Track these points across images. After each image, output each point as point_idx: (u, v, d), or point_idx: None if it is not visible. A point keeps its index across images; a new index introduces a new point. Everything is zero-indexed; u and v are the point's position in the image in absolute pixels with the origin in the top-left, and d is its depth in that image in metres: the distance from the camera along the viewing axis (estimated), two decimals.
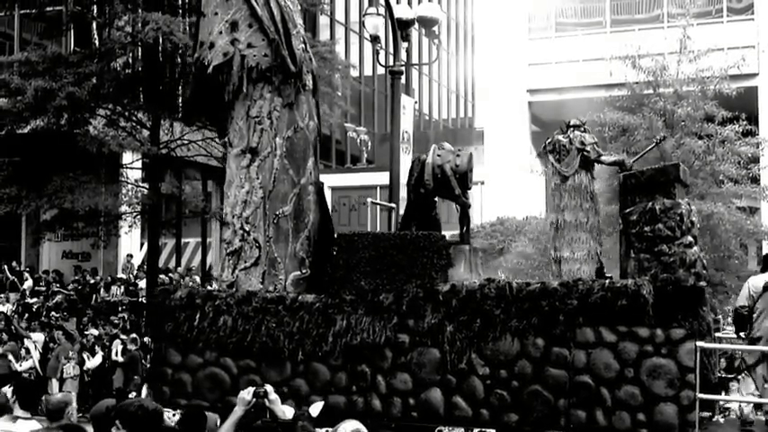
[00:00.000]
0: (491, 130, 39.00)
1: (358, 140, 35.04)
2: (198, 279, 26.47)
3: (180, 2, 21.97)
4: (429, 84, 51.24)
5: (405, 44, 18.59)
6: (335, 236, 10.72)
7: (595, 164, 12.03)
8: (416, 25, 19.20)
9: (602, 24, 37.50)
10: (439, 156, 11.18)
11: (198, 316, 10.17)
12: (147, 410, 5.53)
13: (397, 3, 36.75)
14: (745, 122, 23.93)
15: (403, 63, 18.20)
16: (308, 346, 9.76)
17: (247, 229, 10.54)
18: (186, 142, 21.44)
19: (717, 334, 11.57)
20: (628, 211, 9.94)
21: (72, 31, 23.93)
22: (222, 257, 11.04)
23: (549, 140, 12.18)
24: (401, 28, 18.05)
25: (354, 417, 6.84)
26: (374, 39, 18.53)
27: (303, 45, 11.01)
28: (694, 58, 23.92)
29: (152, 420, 5.54)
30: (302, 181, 10.76)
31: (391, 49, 21.21)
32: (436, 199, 11.49)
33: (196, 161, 22.49)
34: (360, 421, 5.86)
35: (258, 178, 10.57)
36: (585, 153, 11.91)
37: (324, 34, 34.29)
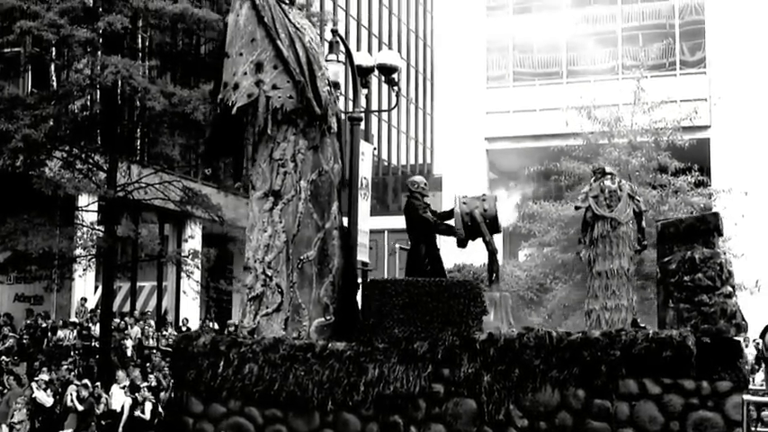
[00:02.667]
0: (449, 177, 39.23)
1: None
2: (153, 323, 26.12)
3: (140, 46, 21.95)
4: (388, 130, 51.53)
5: (364, 91, 18.69)
6: (368, 281, 10.49)
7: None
8: (376, 72, 19.33)
9: (558, 75, 38.10)
10: (465, 204, 11.14)
11: (222, 363, 9.92)
12: None
13: (358, 50, 37.05)
14: (697, 173, 24.38)
15: (362, 109, 18.28)
16: (339, 396, 9.54)
17: (270, 274, 10.36)
18: (144, 185, 21.29)
19: None
20: (666, 260, 9.78)
21: (30, 73, 23.76)
22: (243, 303, 10.75)
23: (594, 185, 12.07)
24: (361, 75, 18.15)
25: None
26: (334, 85, 18.61)
27: (328, 87, 10.89)
28: (648, 110, 24.40)
29: None
30: (327, 225, 10.64)
31: (351, 96, 21.35)
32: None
33: (153, 204, 22.29)
34: None
35: (281, 222, 10.43)
36: (637, 202, 11.92)
37: None
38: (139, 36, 21.99)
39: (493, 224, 11.13)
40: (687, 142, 25.02)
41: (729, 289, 9.31)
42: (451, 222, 11.22)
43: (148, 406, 18.00)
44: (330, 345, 9.78)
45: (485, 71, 39.04)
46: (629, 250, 12.16)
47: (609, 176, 12.41)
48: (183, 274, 22.60)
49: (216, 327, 28.20)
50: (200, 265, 21.97)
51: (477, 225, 11.03)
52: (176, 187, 21.27)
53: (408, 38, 54.51)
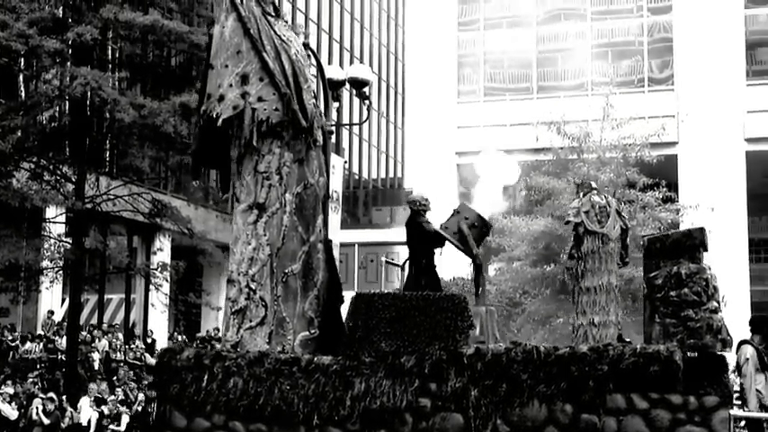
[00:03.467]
0: (419, 191, 39.31)
1: None
2: (121, 336, 25.91)
3: (110, 57, 21.85)
4: (359, 143, 51.59)
5: (336, 104, 18.75)
6: (355, 295, 10.29)
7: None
8: (347, 86, 19.39)
9: (529, 90, 38.37)
10: (446, 228, 11.16)
11: (206, 377, 9.79)
12: None
13: (329, 63, 37.08)
14: (665, 189, 24.62)
15: (333, 123, 18.34)
16: (325, 410, 9.45)
17: (253, 287, 10.26)
18: (112, 197, 21.15)
19: None
20: (652, 275, 9.76)
21: None
22: (227, 316, 10.60)
23: (582, 200, 12.08)
24: (332, 88, 18.21)
25: None
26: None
27: (314, 100, 10.85)
28: (617, 126, 24.63)
29: None
30: (311, 239, 10.58)
31: (322, 109, 21.36)
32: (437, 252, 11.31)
33: (122, 216, 22.14)
34: None
35: (266, 235, 10.33)
36: (623, 218, 11.96)
37: None
38: (109, 47, 21.88)
39: (484, 225, 11.16)
40: (655, 158, 25.28)
41: (715, 304, 9.34)
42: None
43: (125, 419, 17.87)
44: (316, 359, 9.71)
45: (456, 86, 39.24)
46: (617, 267, 12.24)
47: (595, 191, 12.48)
48: (151, 287, 22.45)
49: (185, 340, 28.02)
50: (168, 278, 21.84)
51: (464, 237, 11.01)
52: (145, 199, 21.15)
53: (380, 52, 54.66)
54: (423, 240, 11.20)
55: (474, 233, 11.18)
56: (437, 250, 11.35)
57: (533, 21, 38.47)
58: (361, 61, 48.00)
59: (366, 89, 20.41)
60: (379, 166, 55.88)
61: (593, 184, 12.59)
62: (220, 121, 10.49)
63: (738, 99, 33.80)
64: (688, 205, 25.98)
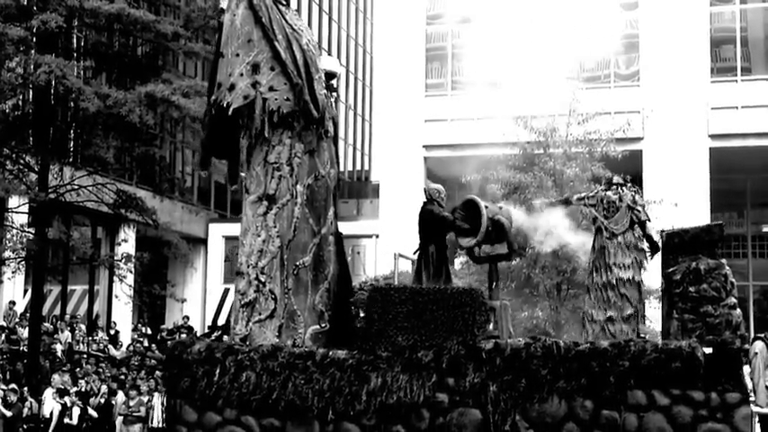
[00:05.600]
0: (387, 184, 39.29)
1: None
2: (83, 328, 25.69)
3: (75, 45, 21.63)
4: None
5: (334, 94, 18.66)
6: (371, 288, 10.23)
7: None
8: None
9: (496, 85, 38.46)
10: (487, 207, 10.97)
11: (218, 371, 9.66)
12: None
13: None
14: (629, 184, 24.75)
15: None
16: (340, 405, 9.34)
17: (263, 279, 10.14)
18: (76, 187, 20.95)
19: None
20: (671, 270, 9.77)
21: None
22: (236, 309, 10.48)
23: (593, 194, 12.08)
24: None
25: None
26: None
27: (325, 91, 10.70)
28: (583, 121, 24.74)
29: None
30: (323, 231, 10.46)
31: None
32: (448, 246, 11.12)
33: (86, 207, 21.94)
34: None
35: (276, 226, 10.21)
36: (636, 212, 11.94)
37: None
38: (74, 35, 21.69)
39: (494, 227, 11.04)
40: (620, 153, 25.42)
41: (733, 300, 9.42)
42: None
43: (76, 411, 17.72)
44: (331, 353, 9.59)
45: (423, 79, 39.23)
46: (630, 260, 12.22)
47: (614, 187, 12.51)
48: (115, 278, 22.29)
49: (149, 332, 27.84)
50: (133, 270, 21.70)
51: (501, 230, 10.80)
52: (110, 190, 20.99)
53: (348, 44, 54.57)
54: (431, 226, 11.01)
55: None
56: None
57: (502, 15, 38.56)
58: (330, 53, 47.91)
59: (334, 81, 20.33)
60: (346, 158, 55.83)
61: (616, 180, 12.52)
62: (231, 110, 10.31)
63: (703, 96, 34.11)
64: (652, 200, 26.19)
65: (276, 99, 10.32)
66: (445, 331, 9.32)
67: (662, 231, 11.56)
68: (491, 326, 10.22)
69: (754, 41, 35.85)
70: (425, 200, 11.29)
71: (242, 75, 10.42)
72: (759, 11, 35.84)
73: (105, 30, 20.94)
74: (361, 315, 10.63)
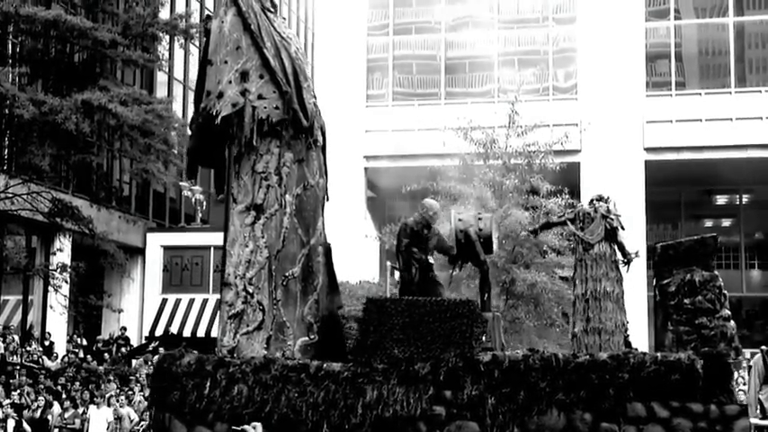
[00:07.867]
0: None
1: (193, 200, 34.54)
2: (17, 338, 25.15)
3: (10, 51, 21.27)
4: None
5: None
6: (367, 299, 10.03)
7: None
8: None
9: (437, 96, 38.71)
10: (461, 221, 10.95)
11: (208, 384, 9.47)
12: None
13: None
14: (567, 196, 25.10)
15: None
16: (335, 419, 9.21)
17: (251, 290, 9.99)
18: (10, 195, 20.57)
19: None
20: (665, 282, 9.82)
21: None
22: (223, 320, 10.27)
23: (571, 210, 12.21)
24: None
25: None
26: None
27: (314, 100, 10.57)
28: (522, 133, 25.02)
29: None
30: (312, 241, 10.33)
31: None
32: (432, 261, 11.02)
33: (20, 215, 21.54)
34: None
35: (264, 237, 10.06)
36: (609, 221, 12.03)
37: (161, 91, 33.84)
38: (9, 41, 21.31)
39: (487, 244, 11.01)
40: (558, 165, 25.76)
41: (728, 312, 9.46)
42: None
43: (11, 423, 17.35)
44: (326, 365, 9.47)
45: (364, 90, 39.34)
46: (613, 272, 12.33)
47: (596, 203, 12.66)
48: (50, 288, 21.91)
49: (84, 343, 27.39)
50: (68, 279, 21.35)
51: (471, 244, 10.86)
52: (45, 198, 20.65)
53: None
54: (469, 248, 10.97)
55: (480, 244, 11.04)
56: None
57: (442, 27, 38.87)
58: None
59: None
60: None
61: (602, 195, 12.68)
62: (219, 118, 10.18)
63: (638, 109, 34.77)
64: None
65: (265, 107, 10.24)
66: (442, 343, 9.28)
67: (656, 243, 11.70)
68: (483, 337, 10.21)
69: (688, 56, 36.66)
70: (428, 218, 10.93)
71: (230, 82, 10.32)
72: (693, 27, 36.67)
73: (41, 36, 20.63)
74: (350, 327, 10.58)
